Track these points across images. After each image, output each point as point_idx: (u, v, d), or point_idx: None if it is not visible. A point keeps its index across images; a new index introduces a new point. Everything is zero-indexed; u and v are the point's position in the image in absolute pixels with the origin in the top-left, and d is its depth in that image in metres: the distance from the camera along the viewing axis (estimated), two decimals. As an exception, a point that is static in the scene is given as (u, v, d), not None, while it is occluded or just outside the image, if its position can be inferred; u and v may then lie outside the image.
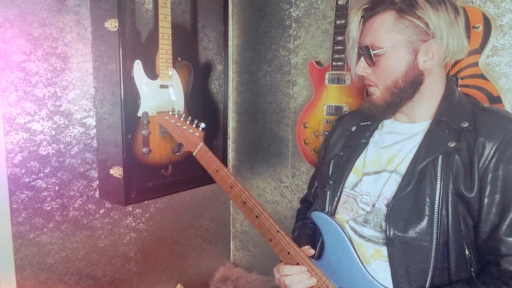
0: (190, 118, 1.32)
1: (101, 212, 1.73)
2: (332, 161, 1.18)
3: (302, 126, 1.80)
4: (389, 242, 0.98)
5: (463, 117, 0.99)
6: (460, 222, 0.95)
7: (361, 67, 1.05)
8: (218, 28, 1.95)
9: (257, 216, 1.12)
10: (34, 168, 1.52)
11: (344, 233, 1.04)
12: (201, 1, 1.97)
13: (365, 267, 1.01)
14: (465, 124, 0.97)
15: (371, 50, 1.00)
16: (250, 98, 2.19)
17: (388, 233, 0.98)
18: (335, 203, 1.12)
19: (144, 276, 1.91)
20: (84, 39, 1.60)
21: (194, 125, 1.30)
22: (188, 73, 1.84)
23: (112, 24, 1.47)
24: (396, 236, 0.97)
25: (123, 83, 1.50)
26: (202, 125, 1.30)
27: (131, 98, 1.60)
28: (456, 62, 1.37)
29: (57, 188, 1.58)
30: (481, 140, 0.93)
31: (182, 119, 1.33)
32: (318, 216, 1.09)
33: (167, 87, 1.72)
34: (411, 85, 1.01)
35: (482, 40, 1.33)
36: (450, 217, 0.94)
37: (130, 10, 1.69)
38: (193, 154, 1.28)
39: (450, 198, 0.95)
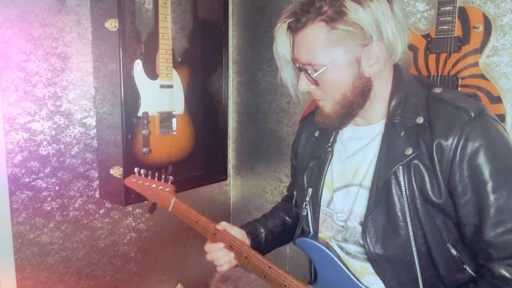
0: (157, 174, 1.27)
1: (101, 212, 1.73)
2: (305, 175, 1.14)
3: (302, 126, 1.80)
4: (372, 261, 0.97)
5: (417, 110, 0.93)
6: (439, 228, 0.92)
7: (303, 85, 0.97)
8: (218, 28, 1.95)
9: (246, 257, 1.12)
10: (34, 168, 1.51)
11: (332, 253, 1.04)
12: (201, 1, 1.97)
13: (360, 282, 1.00)
14: (420, 120, 0.92)
15: (309, 71, 0.93)
16: (250, 98, 2.19)
17: (368, 253, 0.96)
18: (316, 222, 1.10)
19: (144, 276, 1.91)
20: (84, 39, 1.60)
21: (163, 181, 1.26)
22: (188, 73, 1.84)
23: (112, 24, 1.47)
24: (378, 255, 0.96)
25: (123, 83, 1.50)
26: (171, 178, 1.26)
27: (131, 98, 1.60)
28: (457, 62, 1.37)
29: (57, 188, 1.58)
30: (438, 141, 0.88)
31: (149, 177, 1.28)
32: (302, 243, 1.09)
33: (167, 87, 1.72)
34: (361, 96, 0.96)
35: (483, 40, 1.33)
36: (424, 227, 0.91)
37: (130, 10, 1.69)
38: (169, 210, 1.26)
39: (420, 208, 0.91)
